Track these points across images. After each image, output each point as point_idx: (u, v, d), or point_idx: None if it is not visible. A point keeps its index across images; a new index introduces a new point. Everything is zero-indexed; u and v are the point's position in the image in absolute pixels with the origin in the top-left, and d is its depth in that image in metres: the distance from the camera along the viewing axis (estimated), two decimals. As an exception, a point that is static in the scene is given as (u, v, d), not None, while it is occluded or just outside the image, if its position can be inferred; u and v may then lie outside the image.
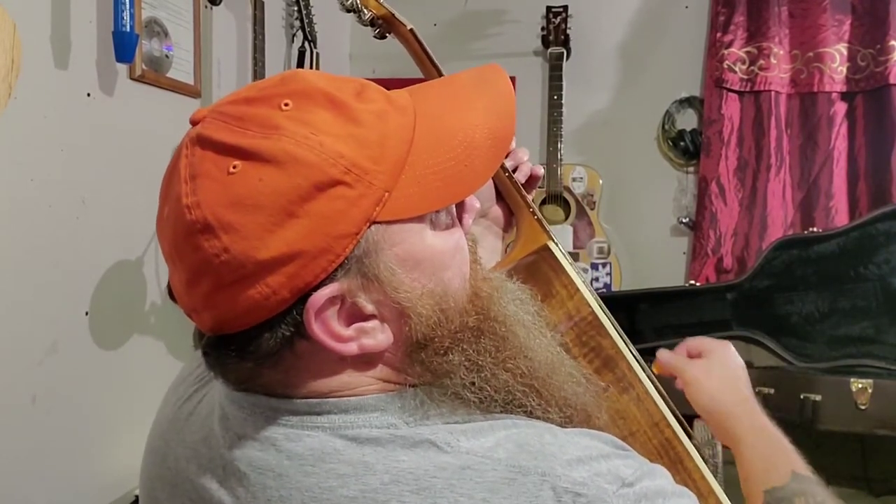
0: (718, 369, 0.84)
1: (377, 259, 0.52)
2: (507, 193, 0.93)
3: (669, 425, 0.79)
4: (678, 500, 0.55)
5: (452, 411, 0.56)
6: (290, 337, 0.52)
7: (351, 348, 0.52)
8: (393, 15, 0.94)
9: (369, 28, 0.96)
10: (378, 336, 0.54)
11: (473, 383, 0.56)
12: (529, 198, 0.92)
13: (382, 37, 0.97)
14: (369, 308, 0.53)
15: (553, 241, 0.87)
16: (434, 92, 0.59)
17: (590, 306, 0.82)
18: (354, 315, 0.53)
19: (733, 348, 0.86)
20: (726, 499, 0.77)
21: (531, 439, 0.53)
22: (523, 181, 0.94)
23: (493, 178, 0.91)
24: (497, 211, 0.94)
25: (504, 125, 0.58)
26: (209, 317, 0.52)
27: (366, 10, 0.94)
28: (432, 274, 0.55)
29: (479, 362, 0.56)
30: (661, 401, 0.81)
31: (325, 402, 0.55)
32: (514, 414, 0.57)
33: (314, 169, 0.49)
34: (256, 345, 0.52)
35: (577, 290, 0.82)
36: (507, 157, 0.93)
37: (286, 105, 0.51)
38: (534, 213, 0.89)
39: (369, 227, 0.51)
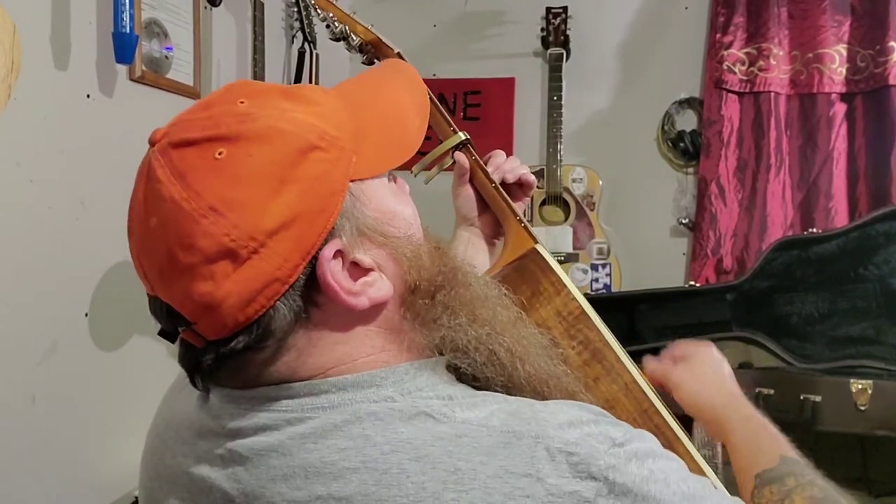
0: (700, 368, 0.87)
1: (363, 212, 0.57)
2: (493, 203, 0.95)
3: (658, 412, 0.81)
4: (667, 462, 0.57)
5: (441, 381, 0.59)
6: (305, 307, 0.55)
7: (362, 301, 0.56)
8: (380, 40, 0.97)
9: (358, 55, 0.99)
10: (382, 287, 0.58)
11: (460, 325, 0.60)
12: (515, 206, 0.94)
13: (371, 62, 1.00)
14: (367, 261, 0.57)
15: (539, 244, 0.88)
16: (357, 84, 0.66)
17: (577, 301, 0.84)
18: (357, 272, 0.57)
19: (715, 348, 0.90)
20: (717, 481, 0.78)
21: (523, 408, 0.56)
22: (512, 181, 0.96)
23: (479, 189, 0.96)
24: (486, 220, 0.97)
25: (420, 96, 0.67)
26: (227, 308, 0.53)
27: (354, 37, 0.97)
28: (406, 224, 0.61)
29: (456, 308, 0.61)
30: (649, 389, 0.83)
31: (323, 382, 0.57)
32: (494, 368, 0.61)
33: (295, 136, 0.54)
34: (276, 324, 0.54)
35: (564, 286, 0.85)
36: (488, 163, 0.96)
37: (242, 102, 0.55)
38: (520, 221, 0.91)
39: (349, 184, 0.56)
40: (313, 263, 0.54)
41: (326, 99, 0.59)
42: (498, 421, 0.54)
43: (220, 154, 0.52)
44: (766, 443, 0.75)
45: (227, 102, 0.55)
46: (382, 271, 0.58)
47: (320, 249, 0.54)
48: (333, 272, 0.54)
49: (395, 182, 0.63)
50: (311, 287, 0.55)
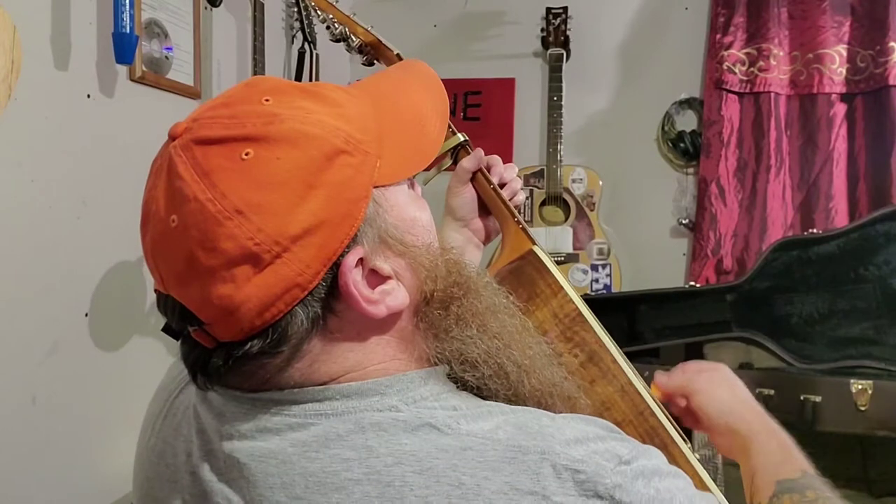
0: (721, 379, 0.87)
1: (385, 219, 0.56)
2: (492, 205, 0.95)
3: (654, 414, 0.81)
4: (673, 480, 0.56)
5: (446, 390, 0.58)
6: (322, 314, 0.54)
7: (380, 310, 0.56)
8: (380, 41, 0.97)
9: (358, 56, 0.99)
10: (399, 295, 0.57)
11: (471, 338, 0.60)
12: (514, 207, 0.94)
13: (370, 63, 1.00)
14: (386, 269, 0.56)
15: (537, 246, 0.88)
16: (374, 83, 0.65)
17: (573, 303, 0.84)
18: (375, 280, 0.56)
19: (728, 368, 0.90)
20: (711, 482, 0.79)
21: (530, 422, 0.55)
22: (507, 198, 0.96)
23: (477, 191, 0.95)
24: (479, 223, 0.97)
25: (440, 98, 0.66)
26: (245, 312, 0.52)
27: (354, 38, 0.98)
28: (425, 232, 0.61)
29: (468, 320, 0.61)
30: (645, 391, 0.83)
31: (328, 389, 0.56)
32: (500, 382, 0.60)
33: (322, 141, 0.53)
34: (293, 329, 0.53)
35: (561, 288, 0.85)
36: (491, 171, 0.96)
37: (267, 100, 0.54)
38: (518, 222, 0.91)
39: (373, 190, 0.55)
40: (334, 270, 0.53)
41: (349, 100, 0.57)
42: (504, 434, 0.54)
43: (246, 155, 0.51)
44: (791, 455, 0.75)
45: (250, 101, 0.54)
46: (400, 280, 0.58)
47: (342, 256, 0.53)
48: (355, 280, 0.54)
49: (413, 188, 0.62)
50: (330, 294, 0.54)
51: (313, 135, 0.52)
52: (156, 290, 0.57)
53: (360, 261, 0.54)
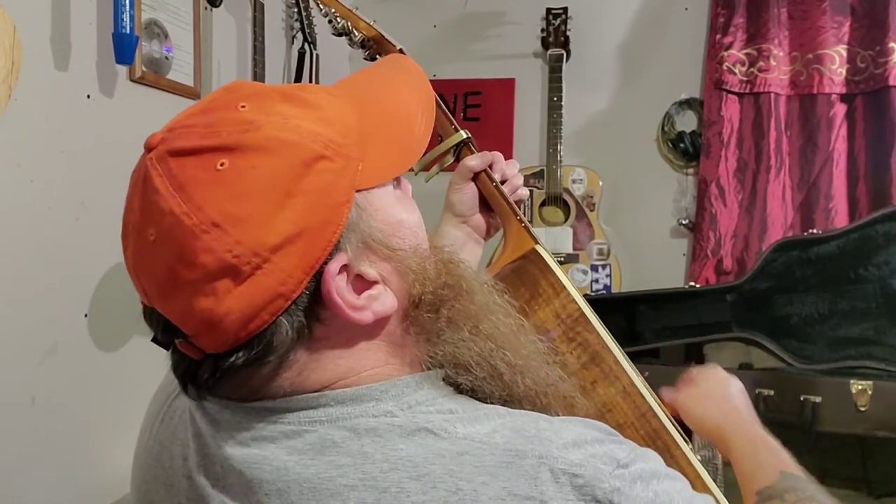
0: (704, 388, 0.89)
1: (369, 224, 0.55)
2: (494, 202, 0.95)
3: (656, 416, 0.81)
4: (672, 482, 0.56)
5: (441, 394, 0.58)
6: (307, 323, 0.53)
7: (366, 316, 0.55)
8: (382, 36, 0.97)
9: (361, 50, 0.99)
10: (386, 300, 0.56)
11: (463, 340, 0.59)
12: (516, 205, 0.94)
13: (373, 58, 1.00)
14: (372, 274, 0.55)
15: (540, 244, 0.88)
16: (359, 81, 0.64)
17: (576, 303, 0.84)
18: (361, 285, 0.55)
19: (720, 368, 0.92)
20: (713, 484, 0.79)
21: (527, 425, 0.54)
22: (509, 195, 0.96)
23: (479, 188, 0.95)
24: (479, 219, 0.96)
25: (426, 95, 0.64)
26: (228, 324, 0.51)
27: (356, 33, 0.97)
28: (412, 234, 0.59)
29: (459, 322, 0.59)
30: (648, 392, 0.83)
31: (322, 396, 0.55)
32: (494, 384, 0.60)
33: (300, 147, 0.51)
34: (278, 340, 0.52)
35: (563, 287, 0.84)
36: (493, 168, 0.95)
37: (243, 106, 0.53)
38: (521, 221, 0.91)
39: (355, 195, 0.54)
40: (317, 278, 0.52)
41: (330, 102, 0.56)
42: (501, 438, 0.53)
43: (221, 165, 0.50)
44: (766, 458, 0.75)
45: (227, 107, 0.53)
46: (387, 284, 0.56)
47: (325, 264, 0.52)
48: (339, 288, 0.53)
49: (399, 187, 0.61)
50: (315, 302, 0.53)
51: (291, 142, 0.51)
52: (142, 303, 0.56)
53: (344, 267, 0.53)
